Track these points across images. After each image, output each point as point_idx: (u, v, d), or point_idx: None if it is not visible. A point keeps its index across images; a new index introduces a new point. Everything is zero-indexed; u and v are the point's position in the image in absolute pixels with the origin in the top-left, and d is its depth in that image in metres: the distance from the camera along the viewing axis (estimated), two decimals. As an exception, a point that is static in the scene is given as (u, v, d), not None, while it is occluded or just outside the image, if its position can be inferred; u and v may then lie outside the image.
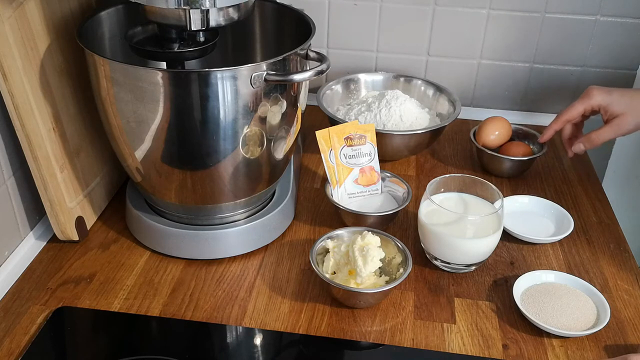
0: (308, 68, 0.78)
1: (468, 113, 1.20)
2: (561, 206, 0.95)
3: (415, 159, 1.09)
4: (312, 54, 0.80)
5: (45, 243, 0.87)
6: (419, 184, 1.02)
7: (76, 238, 0.86)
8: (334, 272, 0.80)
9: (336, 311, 0.77)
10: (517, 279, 0.80)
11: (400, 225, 0.92)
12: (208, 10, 0.75)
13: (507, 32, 1.17)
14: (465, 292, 0.81)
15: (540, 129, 1.15)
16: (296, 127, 0.85)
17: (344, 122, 0.94)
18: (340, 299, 0.78)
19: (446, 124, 1.03)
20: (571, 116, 0.94)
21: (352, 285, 0.77)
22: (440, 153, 1.11)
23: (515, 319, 0.77)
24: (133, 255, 0.86)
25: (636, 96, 0.89)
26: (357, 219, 0.89)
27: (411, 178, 1.04)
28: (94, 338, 0.76)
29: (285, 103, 0.79)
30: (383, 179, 0.94)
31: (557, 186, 1.03)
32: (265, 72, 0.73)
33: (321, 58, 0.79)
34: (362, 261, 0.76)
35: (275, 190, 0.92)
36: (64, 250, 0.86)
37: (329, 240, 0.82)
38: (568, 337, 0.75)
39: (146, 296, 0.79)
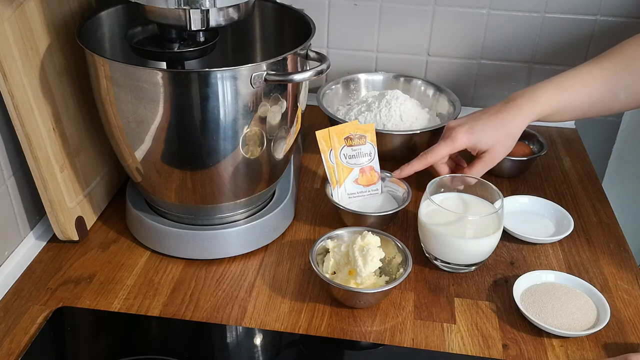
0: (308, 68, 0.78)
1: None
2: (561, 206, 0.95)
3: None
4: (312, 54, 0.80)
5: (45, 243, 0.87)
6: (419, 184, 1.02)
7: (76, 238, 0.86)
8: (334, 272, 0.80)
9: (336, 311, 0.77)
10: (517, 279, 0.80)
11: (400, 225, 0.92)
12: (208, 10, 0.75)
13: (506, 32, 1.17)
14: (465, 292, 0.81)
15: (541, 129, 1.16)
16: (296, 127, 0.85)
17: (344, 122, 0.94)
18: (340, 299, 0.78)
19: (446, 124, 1.03)
20: (435, 159, 0.90)
21: (352, 285, 0.77)
22: (440, 153, 1.11)
23: (515, 319, 0.77)
24: (133, 255, 0.86)
25: (498, 126, 0.87)
26: (357, 219, 0.89)
27: (411, 178, 1.03)
28: (94, 338, 0.77)
29: (285, 103, 0.79)
30: (383, 179, 0.94)
31: (557, 186, 1.03)
32: (265, 72, 0.73)
33: (321, 58, 0.79)
34: (362, 261, 0.76)
35: (275, 190, 0.92)
36: (64, 250, 0.86)
37: (329, 240, 0.82)
38: (568, 337, 0.75)
39: (146, 296, 0.79)
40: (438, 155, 0.89)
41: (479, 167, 0.90)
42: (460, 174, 0.88)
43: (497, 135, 0.87)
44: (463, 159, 0.96)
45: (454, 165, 0.96)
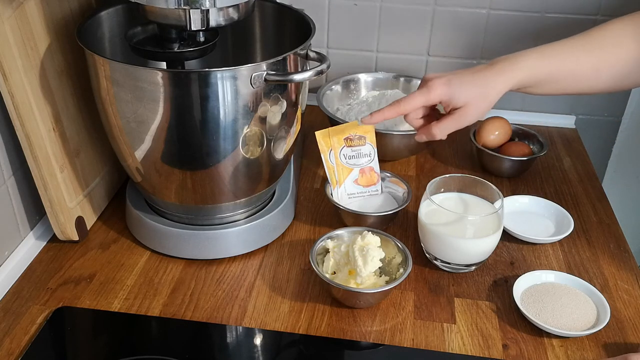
0: (308, 68, 0.78)
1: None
2: (561, 206, 0.94)
3: (415, 159, 1.09)
4: (312, 54, 0.80)
5: (45, 243, 0.87)
6: (419, 184, 1.02)
7: (76, 238, 0.86)
8: (334, 272, 0.80)
9: (336, 311, 0.77)
10: (517, 279, 0.80)
11: (400, 225, 0.92)
12: (208, 10, 0.75)
13: (507, 32, 1.17)
14: (465, 292, 0.81)
15: (541, 129, 1.16)
16: (296, 127, 0.85)
17: (344, 122, 0.94)
18: (340, 299, 0.78)
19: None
20: (408, 108, 0.83)
21: (352, 285, 0.77)
22: (440, 153, 1.11)
23: (515, 319, 0.77)
24: (133, 255, 0.86)
25: (477, 84, 0.81)
26: (357, 219, 0.89)
27: (411, 178, 1.04)
28: (94, 338, 0.76)
29: (285, 103, 0.79)
30: (383, 179, 0.94)
31: (557, 186, 1.03)
32: (265, 72, 0.73)
33: (321, 58, 0.79)
34: (362, 261, 0.76)
35: (275, 190, 0.92)
36: (64, 250, 0.86)
37: (329, 240, 0.82)
38: (568, 337, 0.75)
39: (146, 296, 0.79)
40: (411, 105, 0.83)
41: (448, 123, 0.83)
42: (459, 174, 0.87)
43: (473, 93, 0.81)
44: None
45: (427, 122, 0.87)
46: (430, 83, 0.82)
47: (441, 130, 0.83)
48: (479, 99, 0.81)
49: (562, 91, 0.85)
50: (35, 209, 0.87)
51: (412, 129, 1.02)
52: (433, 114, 0.87)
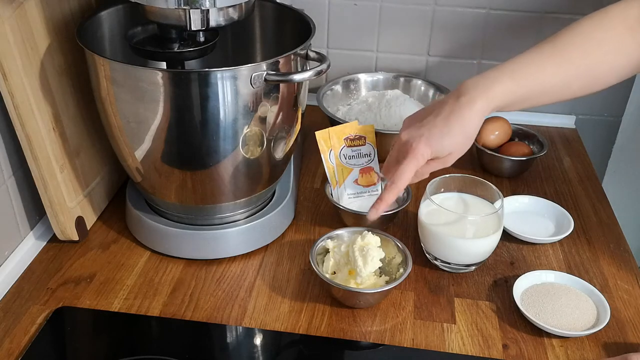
0: (308, 68, 0.78)
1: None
2: (561, 206, 0.94)
3: (415, 159, 1.09)
4: (312, 54, 0.80)
5: (45, 243, 0.87)
6: (419, 184, 1.02)
7: (76, 238, 0.86)
8: (334, 272, 0.80)
9: (336, 311, 0.77)
10: (517, 279, 0.80)
11: (400, 225, 0.92)
12: (208, 10, 0.75)
13: (506, 32, 1.17)
14: (465, 292, 0.81)
15: (541, 129, 1.16)
16: (296, 127, 0.85)
17: (344, 122, 0.94)
18: (340, 299, 0.78)
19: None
20: (404, 185, 0.81)
21: (352, 285, 0.77)
22: (440, 153, 1.11)
23: (515, 319, 0.77)
24: (133, 255, 0.86)
25: (455, 132, 0.79)
26: (357, 219, 0.88)
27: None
28: (94, 338, 0.76)
29: (285, 103, 0.78)
30: (383, 179, 0.94)
31: (557, 186, 1.03)
32: (265, 72, 0.73)
33: (321, 58, 0.79)
34: (362, 261, 0.76)
35: (275, 190, 0.92)
36: (64, 250, 0.86)
37: (329, 240, 0.82)
38: (568, 337, 0.75)
39: (146, 296, 0.79)
40: (406, 179, 0.81)
41: (435, 165, 0.82)
42: (459, 174, 0.87)
43: (455, 142, 0.80)
44: None
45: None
46: (413, 150, 0.79)
47: (427, 171, 0.82)
48: (462, 143, 0.80)
49: (532, 106, 0.83)
50: (35, 209, 0.87)
51: (412, 129, 1.02)
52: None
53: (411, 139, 0.80)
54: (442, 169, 1.06)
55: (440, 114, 0.80)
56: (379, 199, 0.81)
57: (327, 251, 0.82)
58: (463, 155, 1.10)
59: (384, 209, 0.80)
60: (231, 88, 0.73)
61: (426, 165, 0.82)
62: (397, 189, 0.79)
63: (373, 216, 0.80)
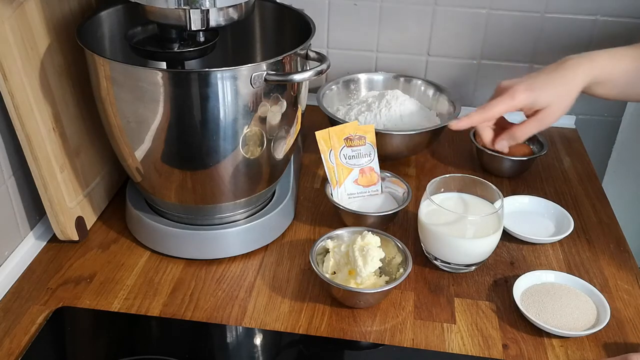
0: (308, 68, 0.78)
1: (468, 113, 1.20)
2: (561, 206, 0.95)
3: (415, 159, 1.09)
4: (312, 54, 0.80)
5: (45, 243, 0.87)
6: (419, 184, 1.02)
7: (76, 238, 0.86)
8: (334, 272, 0.80)
9: (336, 311, 0.77)
10: (517, 279, 0.80)
11: (400, 225, 0.92)
12: (208, 10, 0.75)
13: (507, 32, 1.17)
14: (465, 292, 0.81)
15: (540, 129, 1.15)
16: (296, 127, 0.85)
17: (344, 122, 0.94)
18: (340, 299, 0.78)
19: (446, 124, 1.03)
20: (493, 115, 0.85)
21: (352, 285, 0.77)
22: (440, 153, 1.11)
23: (515, 319, 0.77)
24: (133, 255, 0.86)
25: (557, 83, 0.83)
26: (357, 219, 0.89)
27: (411, 178, 1.04)
28: (94, 338, 0.76)
29: (285, 103, 0.79)
30: (383, 179, 0.94)
31: (557, 186, 1.03)
32: (265, 72, 0.73)
33: (321, 58, 0.79)
34: (362, 261, 0.76)
35: (275, 190, 0.92)
36: (64, 250, 0.86)
37: (329, 240, 0.82)
38: (568, 337, 0.75)
39: (146, 296, 0.79)
40: (496, 111, 0.83)
41: (532, 125, 0.84)
42: (459, 174, 0.87)
43: (556, 92, 0.82)
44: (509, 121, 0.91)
45: (499, 130, 0.90)
46: (512, 90, 0.83)
47: (524, 133, 0.84)
48: (563, 97, 0.82)
49: (622, 95, 0.86)
50: (35, 209, 0.87)
51: (412, 129, 1.03)
52: (499, 123, 0.89)
53: (512, 83, 0.84)
54: (442, 169, 1.07)
55: (544, 70, 0.84)
56: (466, 115, 0.84)
57: (327, 251, 0.82)
58: (463, 155, 1.11)
59: (465, 125, 0.84)
60: (231, 88, 0.73)
61: (523, 126, 0.84)
62: (486, 115, 0.83)
63: (454, 125, 0.84)
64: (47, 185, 0.80)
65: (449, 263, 0.83)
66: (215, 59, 0.92)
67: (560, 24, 1.15)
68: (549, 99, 0.82)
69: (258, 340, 0.75)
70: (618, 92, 0.86)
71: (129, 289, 0.80)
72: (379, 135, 0.95)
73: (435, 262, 0.84)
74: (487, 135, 0.88)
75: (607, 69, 0.84)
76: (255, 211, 0.88)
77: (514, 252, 0.88)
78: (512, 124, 0.87)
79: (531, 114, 0.85)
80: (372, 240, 0.79)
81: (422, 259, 0.86)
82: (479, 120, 0.84)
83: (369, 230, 0.81)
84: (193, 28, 0.76)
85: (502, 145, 0.86)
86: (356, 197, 0.93)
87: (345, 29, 1.21)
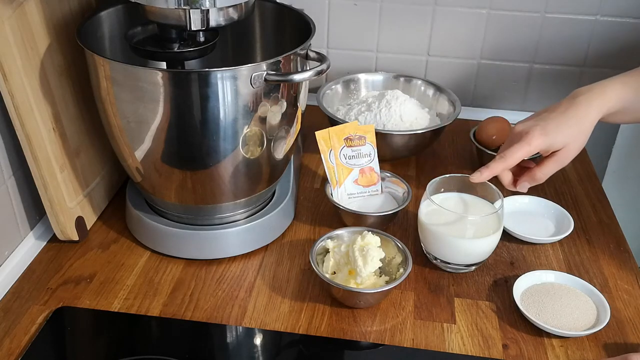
0: (308, 68, 0.78)
1: (468, 113, 1.20)
2: (561, 206, 0.95)
3: (415, 159, 1.09)
4: (312, 54, 0.80)
5: (45, 243, 0.87)
6: (419, 184, 1.02)
7: (76, 238, 0.86)
8: (334, 272, 0.80)
9: (336, 311, 0.77)
10: (517, 279, 0.80)
11: (400, 225, 0.92)
12: (208, 10, 0.75)
13: (507, 32, 1.17)
14: (465, 292, 0.81)
15: (540, 129, 1.15)
16: (296, 127, 0.85)
17: (344, 122, 0.94)
18: (340, 299, 0.78)
19: (446, 124, 1.03)
20: (511, 163, 0.85)
21: (352, 285, 0.77)
22: (440, 153, 1.11)
23: (515, 319, 0.77)
24: (133, 255, 0.86)
25: (571, 123, 0.83)
26: (357, 219, 0.88)
27: (411, 178, 1.04)
28: (94, 338, 0.76)
29: (285, 103, 0.79)
30: (383, 179, 0.94)
31: (557, 186, 1.03)
32: (265, 72, 0.73)
33: (321, 58, 0.79)
34: (362, 261, 0.76)
35: (275, 190, 0.92)
36: (64, 250, 0.86)
37: (329, 240, 0.82)
38: (568, 337, 0.75)
39: (146, 296, 0.79)
40: (515, 159, 0.84)
41: (551, 166, 0.84)
42: (459, 174, 0.87)
43: (571, 133, 0.83)
44: (531, 161, 0.91)
45: (517, 170, 0.90)
46: (528, 137, 0.83)
47: (544, 174, 0.84)
48: (578, 136, 0.83)
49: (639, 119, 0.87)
50: (35, 209, 0.87)
51: (412, 129, 1.03)
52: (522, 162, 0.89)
53: (526, 127, 0.84)
54: (442, 169, 1.07)
55: (556, 110, 0.84)
56: (486, 166, 0.84)
57: (327, 251, 0.82)
58: (463, 155, 1.11)
59: (488, 176, 0.83)
60: (231, 88, 0.73)
61: (543, 167, 0.84)
62: (505, 164, 0.83)
63: (476, 179, 0.83)
64: (47, 185, 0.80)
65: (449, 263, 0.83)
66: (215, 59, 0.92)
67: (560, 24, 1.15)
68: (564, 140, 0.83)
69: (258, 340, 0.75)
70: (634, 117, 0.86)
71: (129, 289, 0.80)
72: (379, 135, 0.95)
73: (435, 262, 0.84)
74: (506, 178, 0.88)
75: (620, 100, 0.84)
76: (255, 211, 0.88)
77: (514, 252, 0.88)
78: (529, 166, 0.88)
79: (548, 155, 0.85)
80: (372, 240, 0.79)
81: (422, 259, 0.86)
82: (499, 169, 0.85)
83: (369, 230, 0.81)
84: (193, 28, 0.76)
85: (524, 186, 0.86)
86: (356, 197, 0.93)
87: (345, 29, 1.21)
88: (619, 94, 0.84)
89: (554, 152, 0.84)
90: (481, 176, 0.83)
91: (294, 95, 0.80)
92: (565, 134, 0.83)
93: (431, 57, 1.22)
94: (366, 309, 0.78)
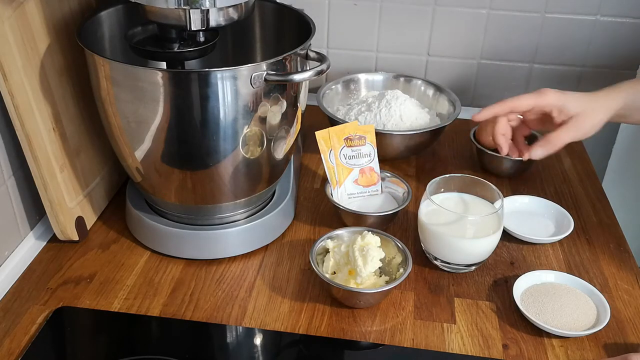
0: (308, 68, 0.78)
1: (468, 113, 1.20)
2: (561, 206, 0.95)
3: (415, 159, 1.09)
4: (312, 54, 0.80)
5: (45, 243, 0.87)
6: (419, 184, 1.02)
7: (76, 238, 0.86)
8: (334, 272, 0.80)
9: (336, 311, 0.77)
10: (517, 279, 0.80)
11: (400, 225, 0.92)
12: (208, 10, 0.75)
13: (507, 32, 1.17)
14: (465, 292, 0.81)
15: (540, 129, 1.15)
16: (296, 127, 0.85)
17: (344, 122, 0.94)
18: (340, 299, 0.78)
19: (446, 124, 1.03)
20: (518, 106, 0.84)
21: (352, 285, 0.77)
22: (440, 153, 1.11)
23: (515, 319, 0.77)
24: (133, 255, 0.86)
25: (590, 98, 0.84)
26: (357, 219, 0.88)
27: (411, 178, 1.04)
28: (94, 338, 0.76)
29: (285, 103, 0.79)
30: (383, 179, 0.94)
31: (557, 186, 1.03)
32: (265, 72, 0.73)
33: (321, 58, 0.79)
34: (362, 261, 0.76)
35: (275, 190, 0.92)
36: (64, 250, 0.86)
37: (329, 240, 0.82)
38: (568, 337, 0.75)
39: (146, 296, 0.79)
40: (521, 104, 0.83)
41: (566, 132, 0.83)
42: (459, 174, 0.87)
43: (587, 103, 0.83)
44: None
45: (512, 131, 0.90)
46: (544, 90, 0.83)
47: (561, 139, 0.83)
48: (593, 109, 0.83)
49: None
50: (35, 209, 0.87)
51: (412, 129, 1.03)
52: (520, 132, 0.91)
53: (548, 89, 0.84)
54: (442, 169, 1.07)
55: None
56: (489, 106, 0.85)
57: (327, 251, 0.82)
58: (463, 155, 1.11)
59: (486, 115, 0.84)
60: (231, 88, 0.73)
61: (558, 132, 0.83)
62: (506, 105, 0.84)
63: (476, 117, 0.85)
64: (47, 185, 0.80)
65: (449, 263, 0.83)
66: (215, 59, 0.92)
67: (560, 24, 1.16)
68: (577, 107, 0.82)
69: (258, 340, 0.75)
70: None
71: (129, 289, 0.80)
72: (379, 135, 0.95)
73: (435, 262, 0.84)
74: (501, 124, 0.87)
75: (632, 98, 0.85)
76: (255, 211, 0.88)
77: (514, 252, 0.88)
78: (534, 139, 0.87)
79: (561, 122, 0.84)
80: (372, 240, 0.79)
81: (422, 259, 0.86)
82: (502, 110, 0.83)
83: (369, 230, 0.81)
84: (193, 28, 0.76)
85: (538, 153, 0.84)
86: (356, 197, 0.93)
87: (345, 29, 1.21)
88: (629, 93, 0.84)
89: (567, 119, 0.83)
90: (480, 114, 0.84)
91: (294, 95, 0.80)
92: (580, 102, 0.82)
93: (431, 57, 1.22)
94: (366, 309, 0.78)
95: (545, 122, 0.88)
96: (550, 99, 0.82)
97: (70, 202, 0.85)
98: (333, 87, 1.14)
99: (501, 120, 0.88)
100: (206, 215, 0.85)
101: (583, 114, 0.82)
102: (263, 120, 0.77)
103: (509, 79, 1.22)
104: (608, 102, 0.84)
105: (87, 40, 0.77)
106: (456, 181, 0.87)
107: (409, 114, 1.05)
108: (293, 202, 0.94)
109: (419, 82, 1.16)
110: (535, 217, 0.94)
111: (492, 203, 0.85)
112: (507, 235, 0.89)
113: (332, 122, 1.02)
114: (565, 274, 0.82)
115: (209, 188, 0.81)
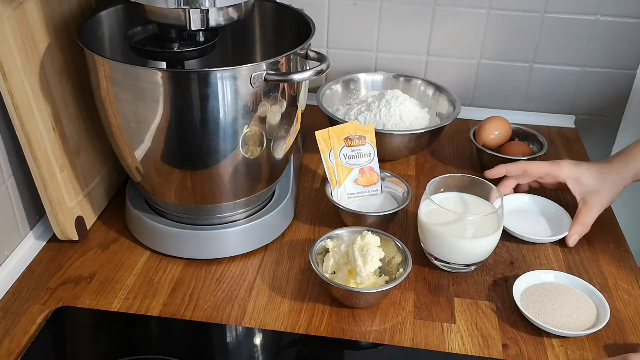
0: (308, 68, 0.78)
1: (468, 113, 1.20)
2: (561, 206, 0.94)
3: (415, 159, 1.09)
4: (312, 54, 0.80)
5: (45, 243, 0.87)
6: (419, 184, 1.02)
7: (76, 238, 0.86)
8: (334, 272, 0.80)
9: (336, 311, 0.77)
10: (517, 279, 0.80)
11: (400, 225, 0.92)
12: (208, 10, 0.75)
13: (507, 32, 1.17)
14: (465, 292, 0.81)
15: (541, 129, 1.15)
16: (296, 127, 0.85)
17: (344, 122, 0.94)
18: (340, 299, 0.78)
19: (446, 124, 1.03)
20: (532, 170, 0.88)
21: (352, 285, 0.77)
22: (440, 153, 1.11)
23: (515, 319, 0.77)
24: (133, 255, 0.86)
25: (604, 171, 0.86)
26: (357, 219, 0.88)
27: (411, 178, 1.04)
28: (94, 338, 0.77)
29: (285, 103, 0.79)
30: (383, 179, 0.94)
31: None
32: (265, 72, 0.73)
33: (321, 58, 0.79)
34: (362, 261, 0.76)
35: (275, 190, 0.92)
36: (64, 250, 0.86)
37: (329, 240, 0.82)
38: (568, 337, 0.75)
39: (146, 296, 0.79)
40: (536, 169, 0.86)
41: (593, 214, 0.87)
42: (459, 174, 0.87)
43: (602, 178, 0.85)
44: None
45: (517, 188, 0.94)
46: (560, 161, 0.87)
47: (590, 219, 0.87)
48: (609, 184, 0.85)
49: None
50: (35, 209, 0.87)
51: (412, 129, 1.03)
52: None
53: (565, 161, 0.89)
54: (442, 169, 1.07)
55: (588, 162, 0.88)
56: (504, 164, 0.90)
57: (327, 251, 0.82)
58: (463, 155, 1.11)
59: (499, 173, 0.89)
60: (231, 88, 0.73)
61: (584, 213, 0.86)
62: (522, 167, 0.90)
63: (488, 174, 0.89)
64: (47, 185, 0.80)
65: (449, 263, 0.83)
66: (215, 59, 0.92)
67: (560, 24, 1.15)
68: (595, 183, 0.84)
69: (258, 340, 0.75)
70: None
71: (129, 289, 0.80)
72: (379, 135, 0.95)
73: (435, 262, 0.84)
74: (507, 188, 0.91)
75: None
76: (255, 211, 0.88)
77: (514, 252, 0.88)
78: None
79: (581, 198, 0.88)
80: (372, 240, 0.79)
81: (422, 259, 0.86)
82: (515, 171, 0.87)
83: (369, 230, 0.81)
84: (193, 28, 0.76)
85: (575, 240, 0.88)
86: (356, 197, 0.93)
87: (345, 29, 1.21)
88: None
89: (586, 199, 0.86)
90: (492, 172, 0.89)
91: (294, 95, 0.80)
92: (596, 175, 0.85)
93: (431, 57, 1.22)
94: (366, 309, 0.78)
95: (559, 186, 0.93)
96: (566, 172, 0.85)
97: (70, 202, 0.85)
98: (333, 87, 1.14)
99: (511, 180, 0.93)
100: (206, 215, 0.85)
101: (600, 190, 0.85)
102: (263, 120, 0.77)
103: (509, 79, 1.22)
104: (624, 173, 0.86)
105: (87, 40, 0.77)
106: (456, 181, 0.87)
107: (409, 114, 1.05)
108: (293, 202, 0.94)
109: (419, 82, 1.16)
110: (535, 217, 0.94)
111: (492, 203, 0.85)
112: (507, 235, 0.89)
113: (332, 122, 1.02)
114: (565, 274, 0.82)
115: (209, 188, 0.81)
